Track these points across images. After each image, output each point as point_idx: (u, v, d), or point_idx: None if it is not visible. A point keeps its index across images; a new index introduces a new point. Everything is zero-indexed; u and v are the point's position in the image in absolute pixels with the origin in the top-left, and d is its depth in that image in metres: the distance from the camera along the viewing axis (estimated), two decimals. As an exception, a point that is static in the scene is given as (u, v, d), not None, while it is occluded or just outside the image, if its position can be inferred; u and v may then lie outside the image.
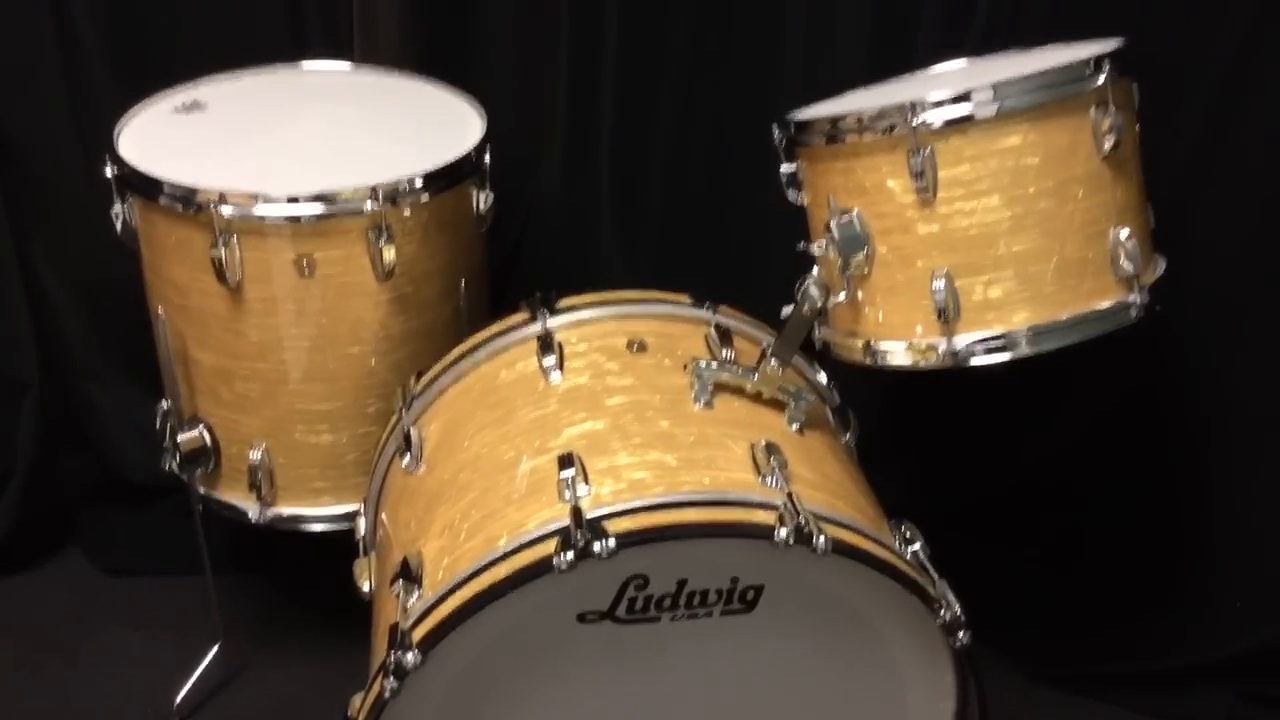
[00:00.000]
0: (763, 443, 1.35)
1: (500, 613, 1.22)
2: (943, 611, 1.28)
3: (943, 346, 1.33)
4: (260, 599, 2.06)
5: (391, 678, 1.21)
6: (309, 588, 1.92)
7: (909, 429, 1.96)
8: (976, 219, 1.30)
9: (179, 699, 1.84)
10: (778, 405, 1.44)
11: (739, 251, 2.00)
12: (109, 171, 1.67)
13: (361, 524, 1.62)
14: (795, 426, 1.43)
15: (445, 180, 1.67)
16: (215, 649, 1.88)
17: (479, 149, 1.72)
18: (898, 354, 1.37)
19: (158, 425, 1.80)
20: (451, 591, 1.25)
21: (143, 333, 1.77)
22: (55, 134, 2.04)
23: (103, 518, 2.19)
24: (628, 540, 1.20)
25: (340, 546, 1.63)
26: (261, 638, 1.97)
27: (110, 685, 1.91)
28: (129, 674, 1.93)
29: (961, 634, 1.29)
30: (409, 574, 1.32)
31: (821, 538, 1.21)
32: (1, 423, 2.10)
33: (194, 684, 1.86)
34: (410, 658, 1.21)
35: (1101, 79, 1.28)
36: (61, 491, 2.18)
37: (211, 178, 1.60)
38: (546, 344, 1.51)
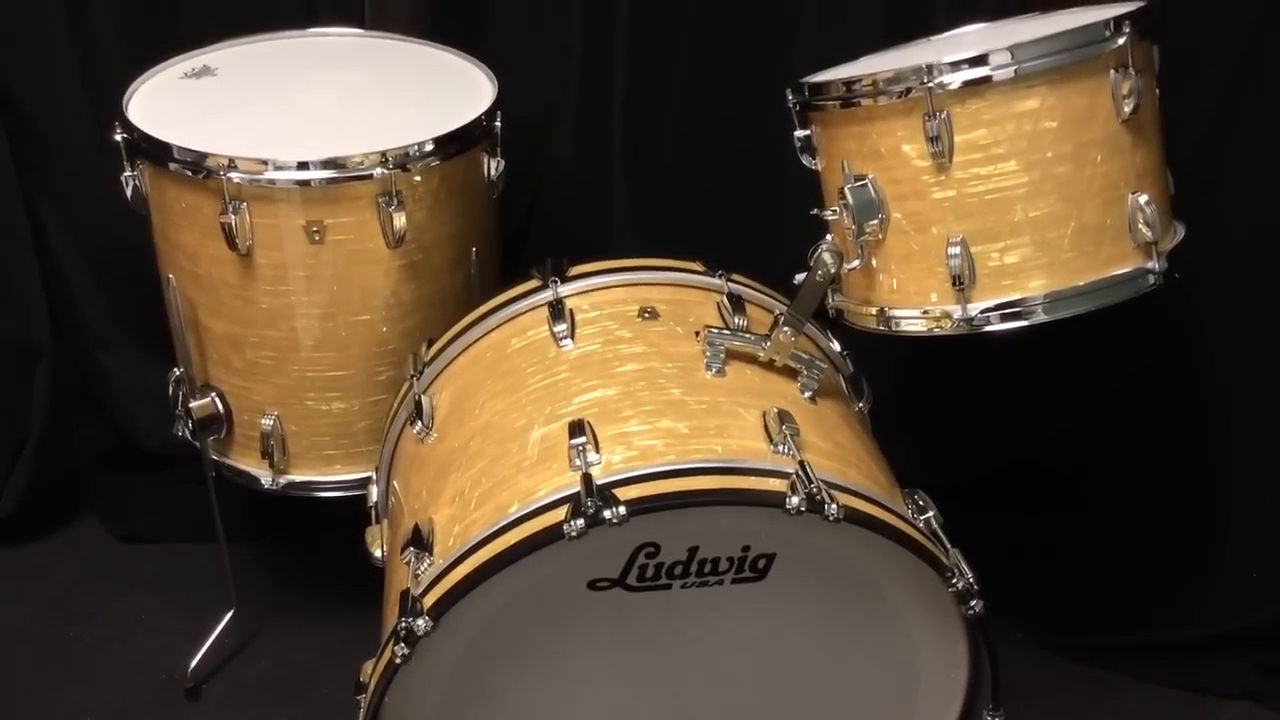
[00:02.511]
0: (775, 411, 1.34)
1: (511, 579, 1.22)
2: (955, 580, 1.28)
3: (958, 314, 1.31)
4: (273, 566, 2.06)
5: (403, 644, 1.22)
6: (321, 555, 1.93)
7: (923, 398, 1.94)
8: (993, 184, 1.28)
9: (193, 665, 1.85)
10: (790, 373, 1.43)
11: (751, 218, 1.98)
12: (119, 137, 1.66)
13: (373, 491, 1.62)
14: (808, 395, 1.42)
15: (455, 145, 1.65)
16: (229, 615, 1.89)
17: (489, 114, 1.71)
18: (912, 321, 1.36)
19: (170, 392, 1.80)
20: (462, 558, 1.25)
21: (155, 300, 1.77)
22: (65, 101, 2.03)
23: (116, 485, 2.20)
24: (638, 507, 1.20)
25: (352, 514, 1.63)
26: (275, 604, 1.98)
27: (125, 651, 1.93)
28: (143, 640, 1.94)
29: (974, 603, 1.29)
30: (420, 541, 1.33)
31: (833, 505, 1.21)
32: (15, 390, 2.11)
33: (208, 650, 1.87)
34: (421, 624, 1.21)
35: (1121, 40, 1.25)
36: (75, 459, 2.19)
37: (221, 143, 1.59)
38: (558, 311, 1.50)
